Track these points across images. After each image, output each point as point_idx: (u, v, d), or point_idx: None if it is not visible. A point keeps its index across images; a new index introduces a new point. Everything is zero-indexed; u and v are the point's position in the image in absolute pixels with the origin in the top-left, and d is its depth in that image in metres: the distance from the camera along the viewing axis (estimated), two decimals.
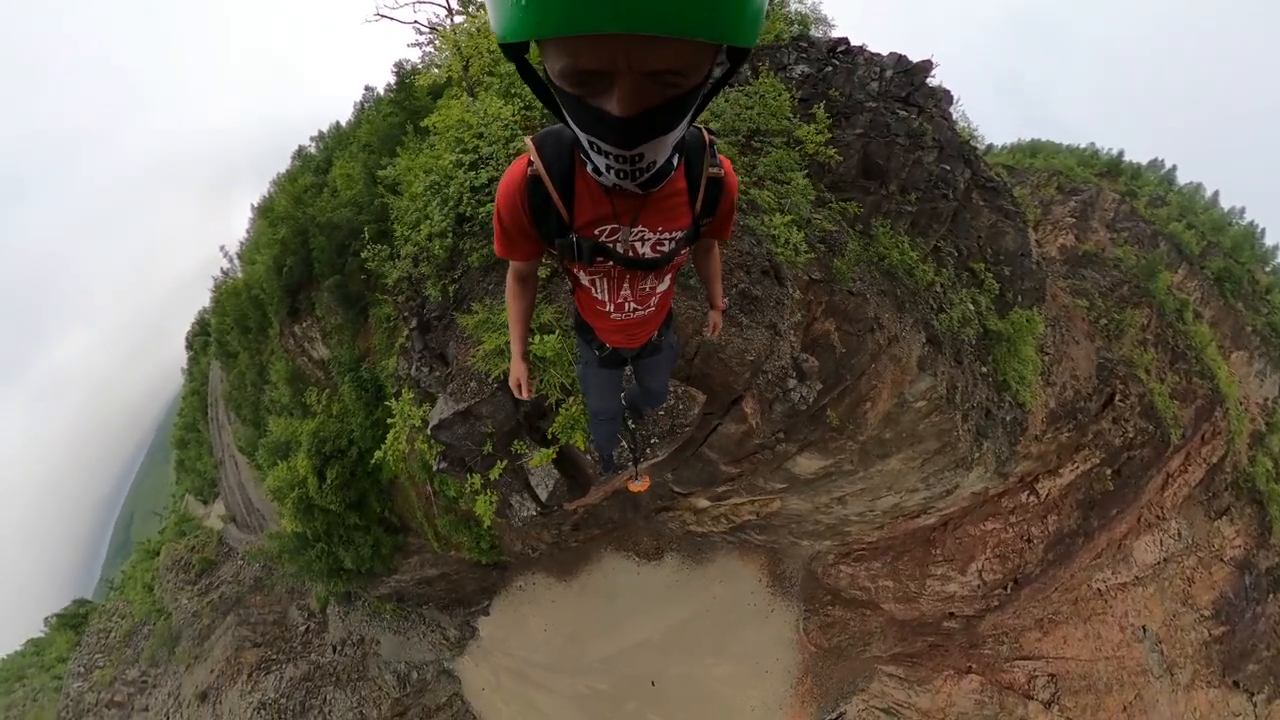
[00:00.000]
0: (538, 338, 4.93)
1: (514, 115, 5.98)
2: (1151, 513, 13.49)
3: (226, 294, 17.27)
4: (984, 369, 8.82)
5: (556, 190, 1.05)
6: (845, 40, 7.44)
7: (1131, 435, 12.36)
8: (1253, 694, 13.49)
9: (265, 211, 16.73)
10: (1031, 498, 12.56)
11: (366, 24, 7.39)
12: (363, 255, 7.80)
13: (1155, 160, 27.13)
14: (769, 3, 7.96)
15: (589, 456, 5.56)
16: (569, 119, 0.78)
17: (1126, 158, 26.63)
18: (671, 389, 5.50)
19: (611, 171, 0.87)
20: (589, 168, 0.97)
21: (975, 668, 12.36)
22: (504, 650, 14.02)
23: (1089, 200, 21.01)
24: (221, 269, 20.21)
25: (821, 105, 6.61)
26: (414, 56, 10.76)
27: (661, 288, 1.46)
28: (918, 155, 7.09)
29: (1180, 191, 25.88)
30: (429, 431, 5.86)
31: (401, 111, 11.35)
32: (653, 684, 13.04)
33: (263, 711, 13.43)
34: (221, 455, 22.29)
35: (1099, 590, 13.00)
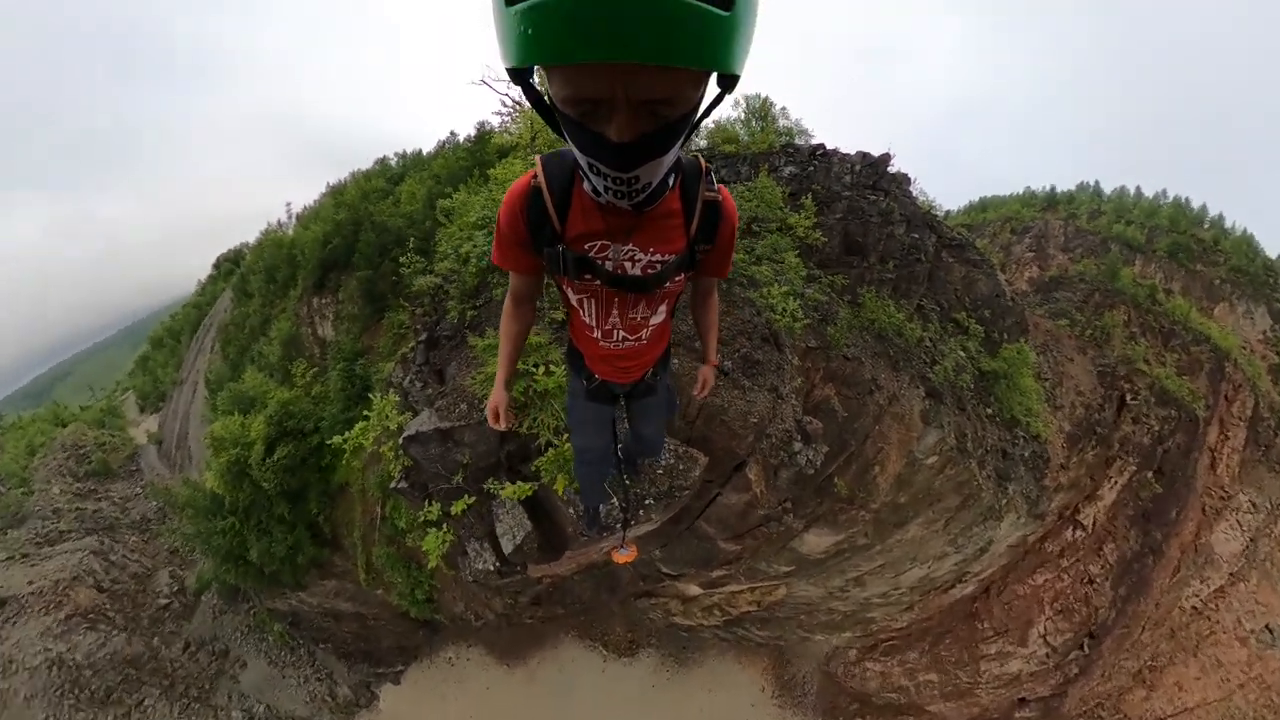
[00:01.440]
0: (543, 369, 4.69)
1: None
2: (1214, 497, 11.86)
3: (271, 242, 18.30)
4: (989, 410, 8.31)
5: (553, 202, 1.11)
6: (822, 145, 9.09)
7: (1157, 428, 11.48)
8: None
9: (336, 193, 18.86)
10: (1078, 532, 11.35)
11: (469, 84, 8.54)
12: (400, 261, 8.01)
13: (1082, 183, 30.41)
14: (763, 113, 9.24)
15: (571, 511, 5.20)
16: (571, 142, 0.83)
17: (1059, 188, 29.73)
18: (672, 448, 5.24)
19: (609, 192, 0.92)
20: (587, 185, 1.01)
21: None
22: None
23: (1040, 233, 22.86)
24: (278, 220, 21.76)
25: (808, 196, 7.70)
26: (495, 120, 12.39)
27: (654, 319, 1.43)
28: (889, 229, 8.08)
29: (1110, 199, 28.32)
30: (400, 440, 5.52)
31: (472, 159, 12.70)
32: None
33: (55, 670, 10.15)
34: (185, 376, 20.98)
35: (1195, 609, 10.91)
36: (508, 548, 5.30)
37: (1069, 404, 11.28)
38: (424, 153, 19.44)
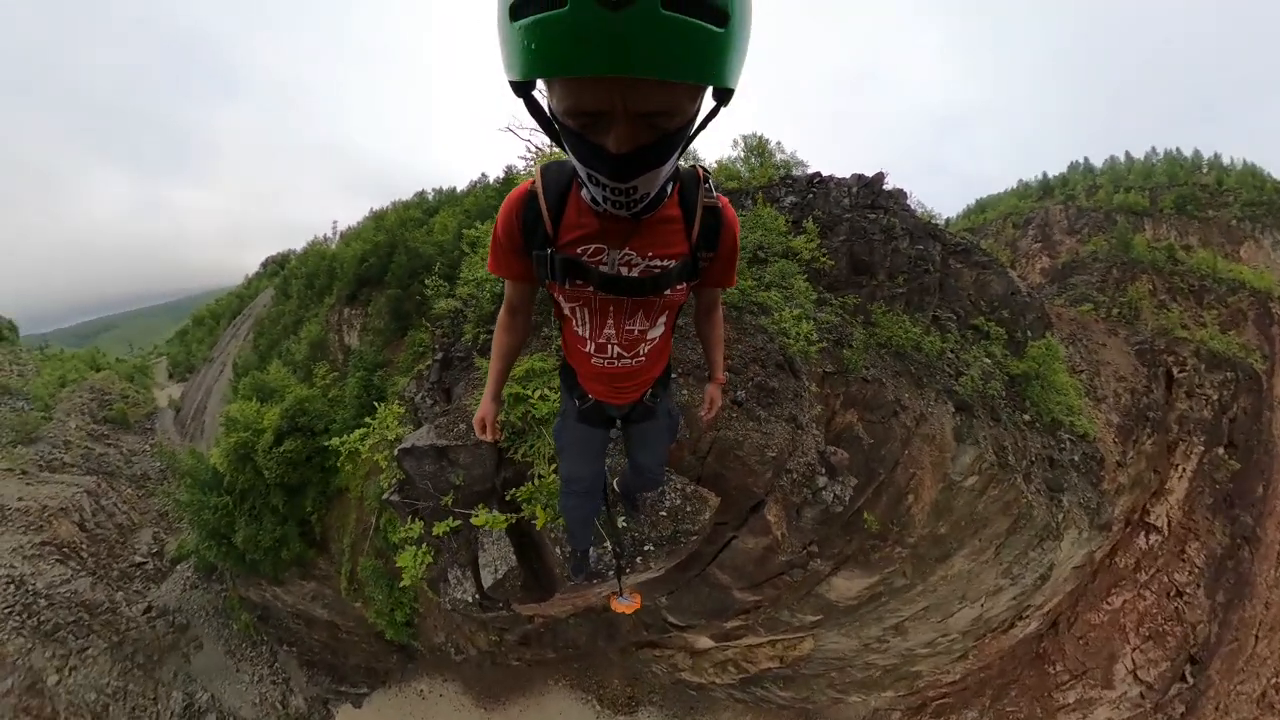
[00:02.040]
0: (539, 393, 4.47)
1: None
2: None
3: (314, 252, 21.10)
4: (1026, 417, 7.48)
5: (548, 206, 1.12)
6: (819, 173, 9.40)
7: (1216, 396, 10.26)
8: None
9: (378, 217, 20.79)
10: (1152, 537, 10.02)
11: (498, 131, 9.09)
12: (426, 283, 8.37)
13: (1073, 163, 30.09)
14: (760, 150, 10.08)
15: (558, 551, 4.61)
16: (570, 153, 0.86)
17: (1051, 174, 29.61)
18: (678, 487, 4.82)
19: (608, 202, 0.95)
20: (585, 194, 1.04)
21: None
22: None
23: (1042, 221, 22.30)
24: (324, 235, 24.00)
25: (810, 221, 7.77)
26: (520, 165, 13.72)
27: (652, 333, 1.39)
28: (894, 245, 8.04)
29: (1103, 171, 27.90)
30: (396, 451, 5.39)
31: (499, 199, 14.24)
32: None
33: (11, 588, 9.91)
34: (216, 355, 22.58)
35: None
36: (488, 581, 4.85)
37: (1112, 393, 10.28)
38: (457, 190, 22.32)
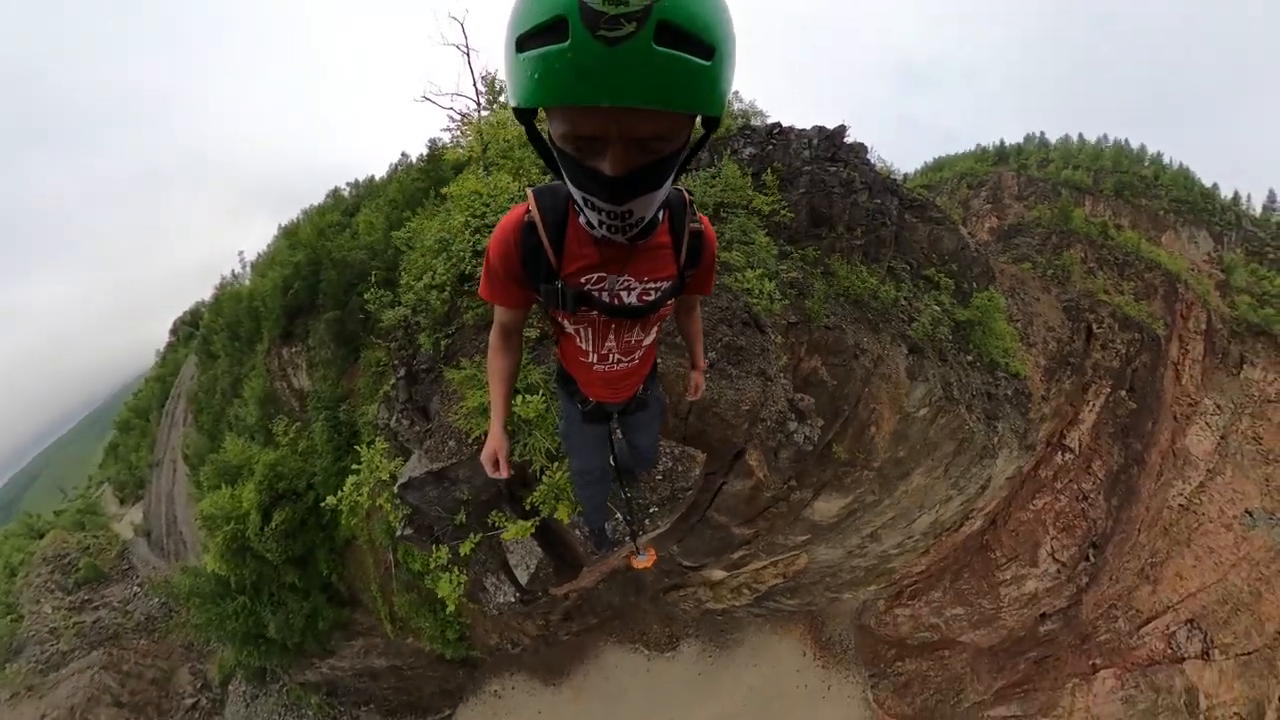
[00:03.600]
0: (521, 398, 4.63)
1: (519, 190, 6.43)
2: (1183, 405, 12.87)
3: (229, 296, 17.19)
4: (969, 358, 9.05)
5: (548, 238, 1.12)
6: (779, 124, 9.26)
7: (1124, 350, 12.37)
8: None
9: (289, 233, 17.53)
10: (1067, 455, 12.27)
11: (414, 102, 8.65)
12: (365, 296, 7.89)
13: (1029, 134, 31.73)
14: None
15: (578, 533, 5.14)
16: (567, 178, 0.88)
17: (1008, 142, 31.17)
18: (667, 450, 5.24)
19: (604, 226, 0.95)
20: (582, 219, 1.04)
21: (1100, 661, 11.02)
22: None
23: (995, 185, 24.17)
24: (232, 271, 21.04)
25: (770, 174, 7.87)
26: (446, 137, 12.38)
27: (647, 340, 1.48)
28: (853, 198, 8.31)
29: (1056, 148, 29.81)
30: (395, 489, 5.44)
31: (427, 179, 12.38)
32: None
33: None
34: (161, 456, 19.70)
35: (1182, 506, 11.90)
36: (523, 578, 5.25)
37: (1042, 340, 12.22)
38: (376, 179, 19.12)
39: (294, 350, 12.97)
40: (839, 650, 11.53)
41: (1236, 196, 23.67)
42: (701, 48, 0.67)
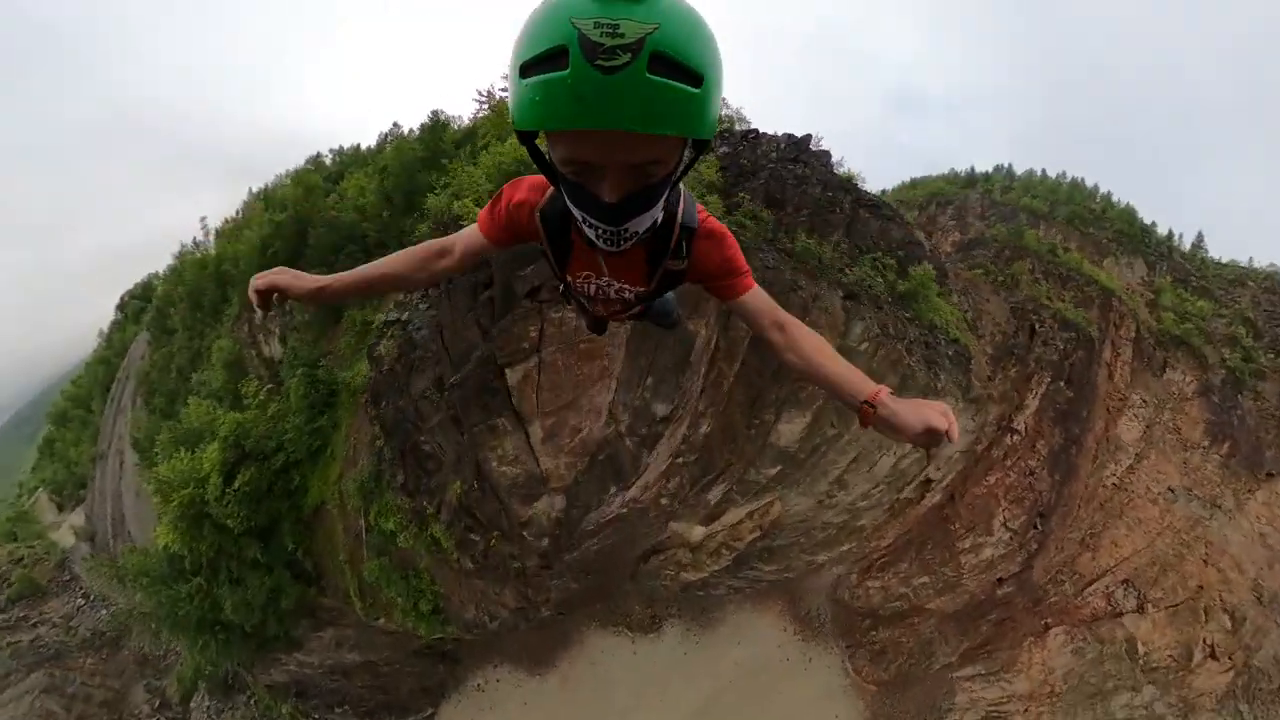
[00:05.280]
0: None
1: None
2: (1114, 399, 16.23)
3: (190, 264, 16.72)
4: (907, 314, 11.62)
5: (552, 249, 1.32)
6: (755, 130, 12.28)
7: (1063, 347, 15.39)
8: None
9: (266, 196, 17.99)
10: (1015, 436, 14.57)
11: (474, 101, 10.54)
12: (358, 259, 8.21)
13: (998, 165, 36.99)
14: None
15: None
16: (567, 198, 1.04)
17: (977, 169, 35.95)
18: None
19: (601, 239, 1.10)
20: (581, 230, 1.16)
21: (1052, 620, 12.85)
22: None
23: (960, 205, 28.74)
24: (194, 239, 20.86)
25: (724, 163, 10.49)
26: (471, 108, 13.53)
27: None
28: (804, 189, 11.06)
29: (1020, 179, 34.65)
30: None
31: (427, 149, 12.87)
32: None
33: None
34: (106, 447, 18.65)
35: (1114, 485, 14.80)
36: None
37: (990, 333, 14.83)
38: (363, 147, 20.02)
39: (267, 315, 13.75)
40: (817, 624, 13.03)
41: (1171, 234, 28.76)
42: (691, 76, 0.79)
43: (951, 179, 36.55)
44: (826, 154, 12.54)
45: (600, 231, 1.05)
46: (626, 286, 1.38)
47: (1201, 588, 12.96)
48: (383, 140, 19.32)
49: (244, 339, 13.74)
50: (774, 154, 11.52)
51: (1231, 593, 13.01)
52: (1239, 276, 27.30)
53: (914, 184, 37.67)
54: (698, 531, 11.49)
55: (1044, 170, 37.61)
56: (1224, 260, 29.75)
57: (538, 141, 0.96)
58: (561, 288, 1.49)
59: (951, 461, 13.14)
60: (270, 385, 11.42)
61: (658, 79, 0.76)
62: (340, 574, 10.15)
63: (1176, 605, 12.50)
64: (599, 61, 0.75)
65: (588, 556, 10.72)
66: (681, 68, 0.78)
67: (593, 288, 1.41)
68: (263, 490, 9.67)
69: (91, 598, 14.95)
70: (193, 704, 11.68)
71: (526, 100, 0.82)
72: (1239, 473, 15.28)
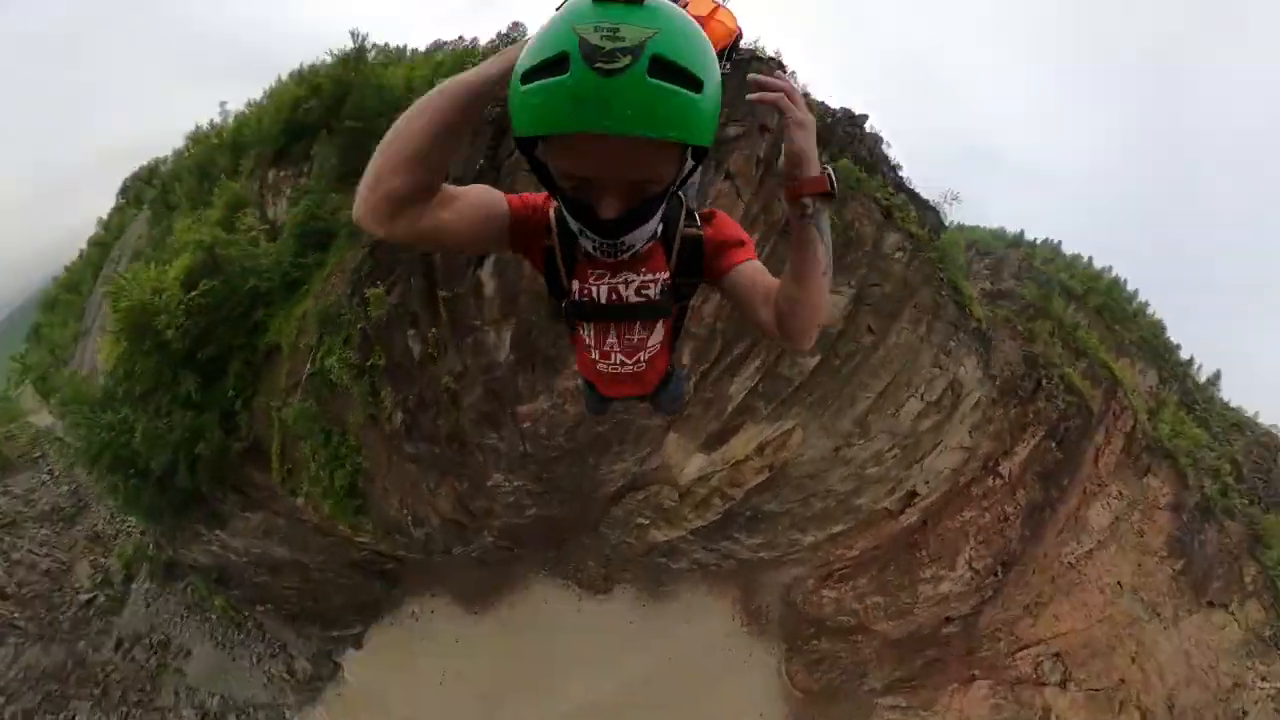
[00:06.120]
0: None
1: None
2: (1094, 483, 19.01)
3: (201, 144, 17.68)
4: (940, 266, 12.23)
5: (564, 263, 1.41)
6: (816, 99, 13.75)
7: (1063, 407, 16.81)
8: (1227, 606, 17.05)
9: (300, 76, 17.60)
10: (998, 480, 14.84)
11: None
12: None
13: (1047, 239, 38.30)
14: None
15: None
16: (566, 212, 1.10)
17: (1027, 236, 36.44)
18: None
19: (599, 251, 1.17)
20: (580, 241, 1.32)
21: (979, 673, 12.77)
22: (380, 707, 10.63)
23: (999, 259, 28.75)
24: (210, 121, 21.83)
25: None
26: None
27: (652, 339, 1.66)
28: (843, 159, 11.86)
29: (1065, 259, 34.79)
30: None
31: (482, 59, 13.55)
32: None
33: None
34: (90, 324, 19.66)
35: (1070, 563, 17.15)
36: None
37: (999, 369, 14.64)
38: (407, 48, 20.08)
39: (282, 174, 13.10)
40: (764, 621, 13.41)
41: (1191, 360, 29.40)
42: (692, 81, 0.82)
43: (998, 234, 40.34)
44: (878, 137, 13.64)
45: (597, 244, 1.13)
46: (648, 277, 1.40)
47: (1124, 681, 14.26)
48: (434, 45, 18.70)
49: (252, 196, 13.49)
50: (829, 121, 12.05)
51: (1149, 694, 14.46)
52: (1240, 422, 31.49)
53: (959, 228, 38.44)
54: (695, 464, 10.48)
55: (1091, 259, 38.49)
56: (1231, 403, 33.64)
57: (538, 152, 1.02)
58: (564, 308, 1.50)
59: (939, 478, 12.53)
60: (267, 226, 11.08)
61: (657, 82, 0.78)
62: (271, 425, 9.80)
63: (1097, 690, 14.58)
64: (599, 64, 0.76)
65: (551, 463, 9.85)
66: (682, 72, 0.80)
67: (604, 289, 1.41)
68: (221, 308, 9.14)
69: (56, 474, 14.84)
70: (132, 586, 11.78)
71: (527, 105, 0.85)
72: (1185, 591, 17.72)
